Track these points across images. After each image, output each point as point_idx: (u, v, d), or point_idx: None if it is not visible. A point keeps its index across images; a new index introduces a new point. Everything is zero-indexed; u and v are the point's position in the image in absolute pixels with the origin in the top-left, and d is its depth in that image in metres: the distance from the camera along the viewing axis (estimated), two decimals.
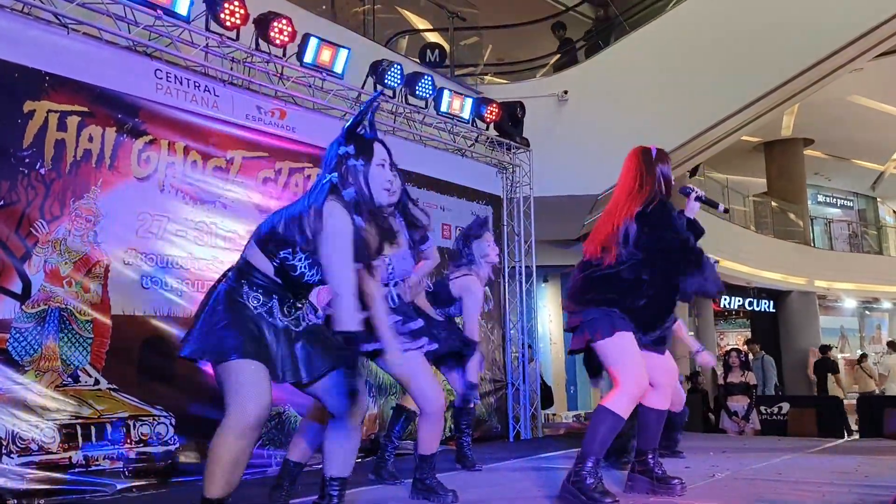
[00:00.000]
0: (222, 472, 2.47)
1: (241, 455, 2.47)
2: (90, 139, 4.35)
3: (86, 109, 4.33)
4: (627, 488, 3.49)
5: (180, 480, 4.38)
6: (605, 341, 3.21)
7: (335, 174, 2.53)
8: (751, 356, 11.54)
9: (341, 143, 2.57)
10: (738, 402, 8.07)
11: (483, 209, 7.24)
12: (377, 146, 2.60)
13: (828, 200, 21.72)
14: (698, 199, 3.57)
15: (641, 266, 3.23)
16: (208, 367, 4.65)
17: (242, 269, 2.53)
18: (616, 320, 3.20)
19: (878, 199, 22.61)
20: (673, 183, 3.44)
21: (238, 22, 4.97)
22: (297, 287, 2.52)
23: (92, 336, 4.25)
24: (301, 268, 2.46)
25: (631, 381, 3.18)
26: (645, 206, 3.25)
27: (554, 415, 10.98)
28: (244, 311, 2.47)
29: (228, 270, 2.61)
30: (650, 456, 3.47)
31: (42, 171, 4.12)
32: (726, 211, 3.69)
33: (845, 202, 22.18)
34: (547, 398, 9.61)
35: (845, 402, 9.99)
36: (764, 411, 8.72)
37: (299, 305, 2.57)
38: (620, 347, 3.20)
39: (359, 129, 2.61)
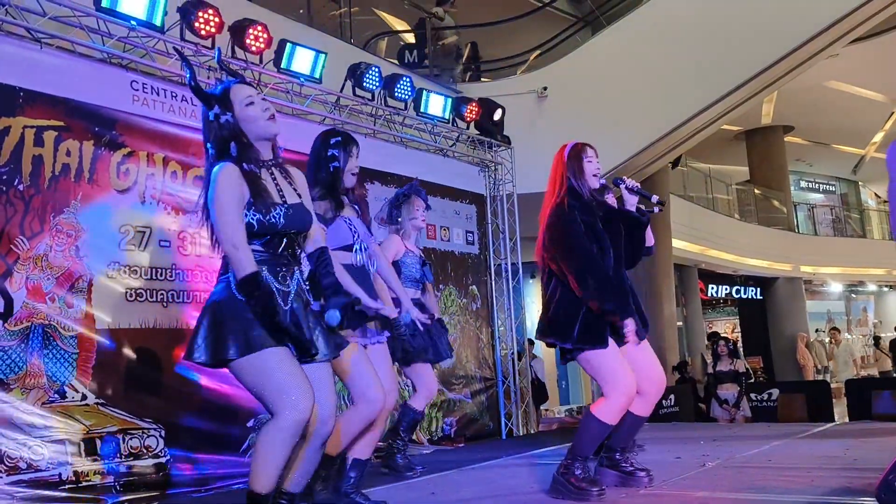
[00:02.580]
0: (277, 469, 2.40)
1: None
2: (68, 153, 4.32)
3: (62, 124, 4.30)
4: (550, 489, 3.43)
5: (173, 493, 4.37)
6: (587, 352, 3.25)
7: (210, 144, 2.54)
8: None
9: (205, 110, 2.57)
10: (728, 391, 8.12)
11: (467, 208, 7.25)
12: (234, 89, 2.55)
13: (810, 186, 21.89)
14: (630, 190, 3.53)
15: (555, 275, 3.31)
16: (201, 378, 4.65)
17: (225, 263, 2.48)
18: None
19: (860, 183, 22.82)
20: (594, 175, 3.42)
21: (213, 30, 4.95)
22: (276, 247, 2.46)
23: (77, 351, 4.22)
24: (254, 222, 2.41)
25: (620, 391, 3.19)
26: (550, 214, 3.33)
27: (547, 410, 11.01)
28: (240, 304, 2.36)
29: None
30: (618, 453, 3.50)
31: (20, 187, 4.09)
32: (661, 203, 3.60)
33: (828, 187, 22.36)
34: (541, 394, 9.64)
35: (833, 385, 10.07)
36: (754, 398, 8.78)
37: (291, 272, 2.48)
38: (604, 356, 3.22)
39: (207, 89, 2.57)
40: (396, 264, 4.46)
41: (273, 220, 2.42)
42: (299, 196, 2.59)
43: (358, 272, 3.24)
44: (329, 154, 3.33)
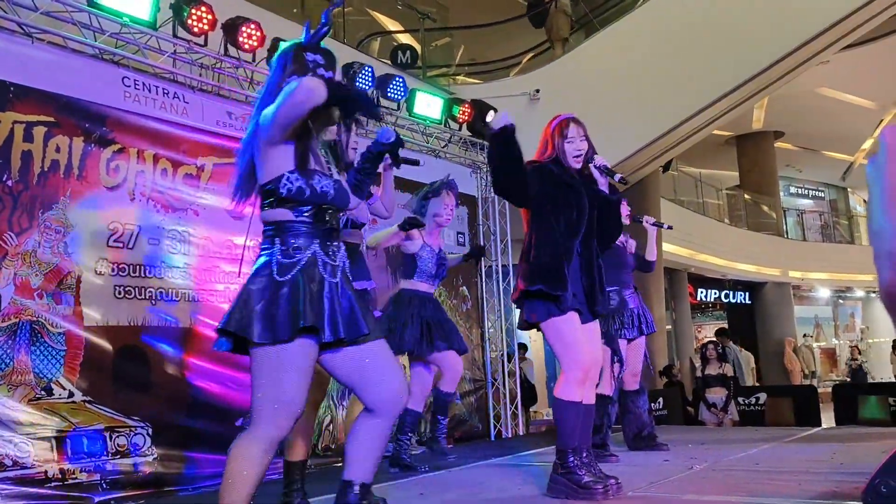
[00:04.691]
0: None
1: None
2: (57, 149, 4.29)
3: (52, 119, 4.28)
4: (548, 489, 3.33)
5: (160, 491, 4.34)
6: (543, 324, 3.25)
7: (296, 77, 2.22)
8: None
9: (306, 51, 2.32)
10: (717, 394, 8.14)
11: (458, 209, 7.24)
12: (336, 66, 2.39)
13: (800, 192, 22.02)
14: (598, 168, 3.48)
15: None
16: (195, 378, 4.63)
17: (270, 235, 2.29)
18: (549, 304, 3.23)
19: (849, 190, 22.96)
20: (574, 157, 3.41)
21: (206, 27, 4.93)
22: (323, 220, 2.29)
23: (65, 348, 4.19)
24: (305, 187, 2.23)
25: (572, 365, 3.20)
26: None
27: (536, 412, 11.02)
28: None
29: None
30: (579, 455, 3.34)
31: (9, 182, 4.06)
32: (623, 181, 3.52)
33: (817, 193, 22.49)
34: (530, 396, 9.64)
35: (820, 390, 10.12)
36: (742, 402, 8.81)
37: (338, 247, 2.33)
38: (557, 330, 3.23)
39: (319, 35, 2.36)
40: (413, 258, 4.47)
41: (325, 188, 2.28)
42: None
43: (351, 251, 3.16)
44: None
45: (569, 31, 9.97)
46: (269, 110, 2.17)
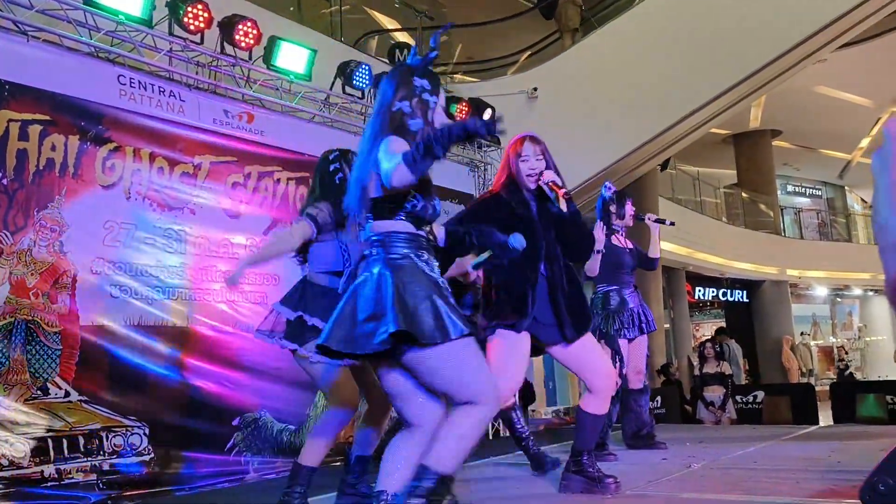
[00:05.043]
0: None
1: None
2: (53, 148, 4.28)
3: (48, 118, 4.26)
4: (562, 488, 3.43)
5: (156, 491, 4.33)
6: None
7: (406, 103, 2.38)
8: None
9: (413, 74, 2.42)
10: (714, 393, 8.15)
11: (455, 208, 7.23)
12: (441, 90, 2.50)
13: (797, 190, 22.02)
14: (547, 185, 3.31)
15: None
16: (191, 378, 4.62)
17: (384, 242, 2.35)
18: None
19: (847, 188, 22.97)
20: (527, 176, 3.29)
21: (202, 25, 4.92)
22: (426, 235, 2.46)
23: (61, 348, 4.18)
24: (419, 206, 2.38)
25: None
26: None
27: (533, 411, 11.01)
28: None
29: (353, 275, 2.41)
30: (584, 456, 3.41)
31: (4, 181, 4.05)
32: (568, 197, 3.30)
33: (814, 191, 22.50)
34: (529, 395, 9.62)
35: (817, 388, 10.12)
36: (739, 400, 8.81)
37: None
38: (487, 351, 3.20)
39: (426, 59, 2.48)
40: None
41: (435, 210, 2.47)
42: None
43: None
44: (332, 168, 3.40)
45: (579, 21, 9.95)
46: (384, 166, 2.23)
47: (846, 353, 15.69)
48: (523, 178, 3.32)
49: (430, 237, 2.51)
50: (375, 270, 2.30)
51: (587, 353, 3.31)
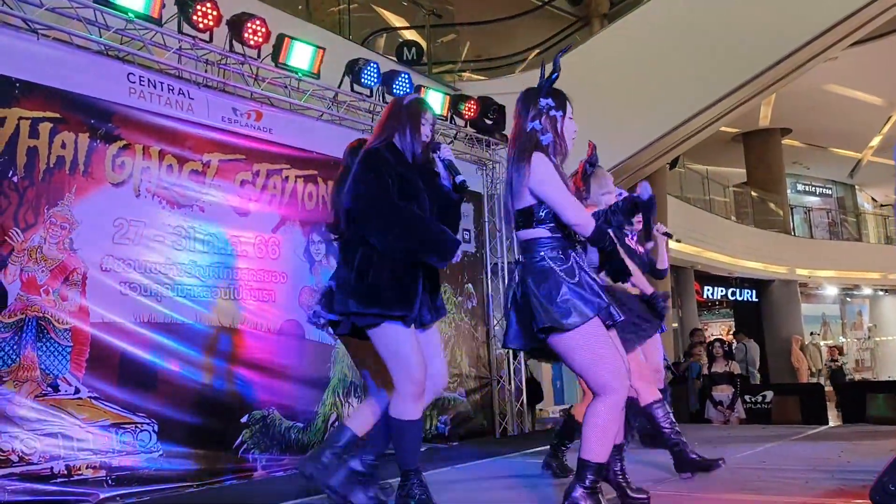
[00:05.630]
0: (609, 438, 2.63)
1: None
2: (63, 146, 4.30)
3: (58, 115, 4.28)
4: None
5: (164, 488, 4.35)
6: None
7: (537, 122, 2.78)
8: (735, 343, 11.64)
9: (541, 97, 2.83)
10: (723, 392, 8.12)
11: (464, 206, 7.21)
12: (567, 102, 2.90)
13: (807, 189, 21.91)
14: (443, 161, 3.29)
15: None
16: (200, 375, 4.64)
17: (531, 246, 2.73)
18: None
19: (857, 187, 22.85)
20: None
21: (211, 24, 4.92)
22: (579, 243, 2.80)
23: (71, 344, 4.20)
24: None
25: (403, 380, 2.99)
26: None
27: (541, 410, 11.00)
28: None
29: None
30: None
31: (14, 178, 4.07)
32: (462, 187, 3.25)
33: (824, 190, 22.38)
34: (536, 393, 9.62)
35: (827, 388, 10.09)
36: (748, 400, 8.78)
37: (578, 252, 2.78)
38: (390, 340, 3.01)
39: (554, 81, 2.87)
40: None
41: None
42: None
43: None
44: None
45: (608, 6, 9.91)
46: (555, 199, 2.71)
47: (840, 353, 15.47)
48: (419, 144, 3.22)
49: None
50: None
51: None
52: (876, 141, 18.42)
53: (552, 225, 2.71)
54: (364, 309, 2.96)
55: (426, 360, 3.04)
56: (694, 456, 3.70)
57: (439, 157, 3.27)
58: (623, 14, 9.11)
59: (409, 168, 3.15)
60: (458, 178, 3.23)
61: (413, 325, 3.01)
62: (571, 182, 3.00)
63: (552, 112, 2.81)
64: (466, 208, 7.23)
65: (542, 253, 2.70)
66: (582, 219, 2.71)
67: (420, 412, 3.05)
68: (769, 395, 8.91)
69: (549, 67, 2.87)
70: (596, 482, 2.60)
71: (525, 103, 2.83)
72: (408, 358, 2.97)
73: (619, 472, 3.06)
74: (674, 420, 3.89)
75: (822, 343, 17.79)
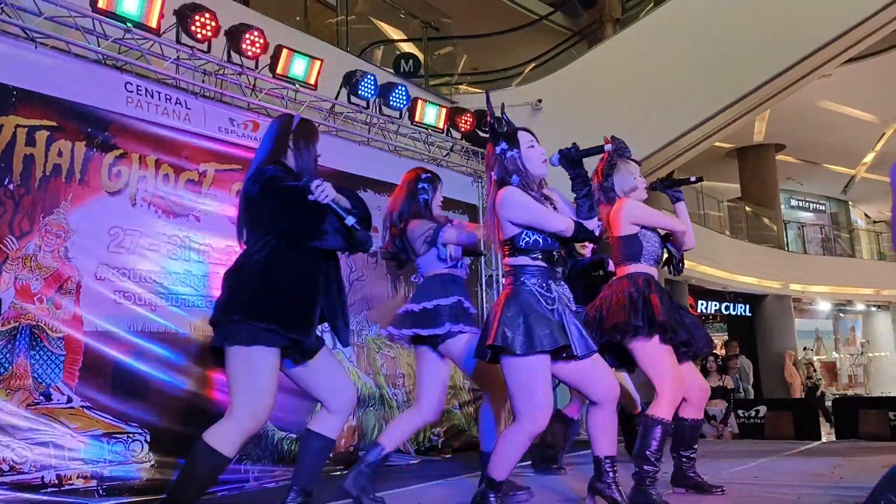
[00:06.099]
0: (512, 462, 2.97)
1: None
2: (59, 154, 4.30)
3: (55, 124, 4.28)
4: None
5: (155, 498, 4.32)
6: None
7: (498, 169, 3.06)
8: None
9: (494, 145, 3.08)
10: (716, 407, 8.13)
11: (459, 218, 7.24)
12: (520, 133, 3.08)
13: (800, 204, 21.99)
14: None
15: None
16: (193, 385, 4.62)
17: (514, 273, 2.99)
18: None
19: (850, 203, 22.94)
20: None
21: (209, 34, 4.94)
22: (550, 261, 2.98)
23: (64, 353, 4.19)
24: (541, 240, 2.94)
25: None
26: None
27: None
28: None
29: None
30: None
31: (10, 186, 4.07)
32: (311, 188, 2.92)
33: (818, 206, 22.47)
34: None
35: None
36: (741, 415, 8.79)
37: (558, 282, 2.99)
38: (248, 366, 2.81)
39: (498, 128, 3.10)
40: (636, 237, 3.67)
41: (551, 240, 2.97)
42: None
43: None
44: (419, 188, 3.89)
45: (620, 11, 9.96)
46: (529, 218, 2.95)
47: (814, 369, 15.26)
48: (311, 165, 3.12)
49: (557, 264, 3.09)
50: None
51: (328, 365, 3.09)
52: (869, 157, 18.52)
53: (536, 254, 2.95)
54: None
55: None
56: (692, 474, 3.69)
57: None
58: (634, 19, 9.16)
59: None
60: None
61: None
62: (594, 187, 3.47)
63: (507, 154, 3.04)
64: (461, 220, 7.23)
65: (524, 279, 2.94)
66: (561, 224, 2.93)
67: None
68: (762, 409, 8.92)
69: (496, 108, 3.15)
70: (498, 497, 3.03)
71: (487, 157, 3.13)
72: None
73: (612, 484, 3.05)
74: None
75: (814, 358, 17.80)
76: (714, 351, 12.59)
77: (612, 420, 3.03)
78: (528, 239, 2.94)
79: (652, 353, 3.43)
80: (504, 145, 3.04)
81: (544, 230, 2.93)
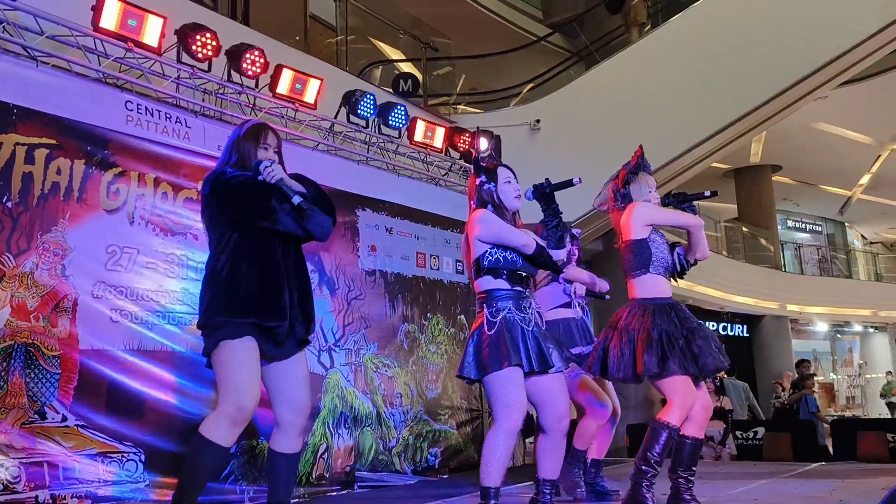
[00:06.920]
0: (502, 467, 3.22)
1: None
2: (58, 172, 4.30)
3: (54, 142, 4.29)
4: None
5: None
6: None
7: (475, 200, 3.43)
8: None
9: (476, 177, 3.45)
10: (714, 428, 8.08)
11: (457, 237, 7.24)
12: (500, 169, 3.44)
13: (797, 225, 22.06)
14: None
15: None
16: (189, 404, 4.59)
17: (486, 299, 3.27)
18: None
19: (847, 224, 23.00)
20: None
21: (210, 54, 4.97)
22: (515, 282, 3.27)
23: (59, 372, 4.16)
24: (502, 258, 3.25)
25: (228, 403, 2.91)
26: None
27: (531, 442, 10.91)
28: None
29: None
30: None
31: (9, 204, 4.06)
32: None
33: (814, 227, 22.54)
34: (528, 426, 9.55)
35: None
36: (740, 436, 8.74)
37: (528, 303, 3.29)
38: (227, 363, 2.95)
39: (482, 162, 3.49)
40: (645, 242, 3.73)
41: (513, 258, 3.26)
42: None
43: (578, 324, 4.47)
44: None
45: (646, 16, 10.01)
46: (493, 232, 3.30)
47: (783, 389, 14.70)
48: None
49: (524, 284, 3.41)
50: None
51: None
52: (865, 179, 18.60)
53: (502, 275, 3.24)
54: None
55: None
56: (689, 497, 3.65)
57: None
58: (659, 24, 9.21)
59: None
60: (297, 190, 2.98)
61: None
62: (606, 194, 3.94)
63: (485, 187, 3.40)
64: (459, 239, 7.23)
65: (497, 306, 3.22)
66: (522, 239, 3.24)
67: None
68: (761, 431, 8.88)
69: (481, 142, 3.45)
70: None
71: (469, 187, 3.50)
72: None
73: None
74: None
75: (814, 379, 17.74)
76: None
77: (558, 447, 3.35)
78: (490, 257, 3.24)
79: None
80: (483, 178, 3.40)
81: (507, 245, 3.22)
